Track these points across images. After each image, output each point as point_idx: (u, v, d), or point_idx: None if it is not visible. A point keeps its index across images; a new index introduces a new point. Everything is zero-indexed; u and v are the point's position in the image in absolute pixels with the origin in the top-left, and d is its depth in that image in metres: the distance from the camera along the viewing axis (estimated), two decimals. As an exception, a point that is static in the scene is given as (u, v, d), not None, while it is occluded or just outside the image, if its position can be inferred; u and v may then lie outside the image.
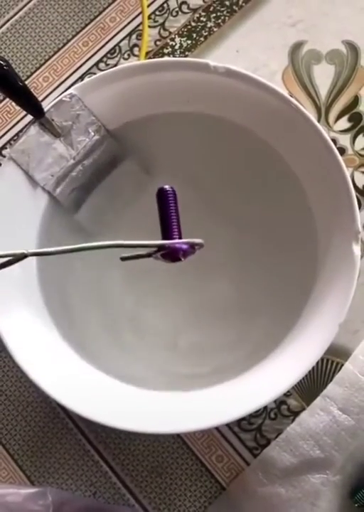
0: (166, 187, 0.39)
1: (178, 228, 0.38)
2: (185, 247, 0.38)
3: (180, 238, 0.38)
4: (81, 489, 0.52)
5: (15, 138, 0.56)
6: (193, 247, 0.38)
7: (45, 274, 0.49)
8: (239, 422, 0.51)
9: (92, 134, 0.48)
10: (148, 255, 0.37)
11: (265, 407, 0.51)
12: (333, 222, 0.45)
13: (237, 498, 0.50)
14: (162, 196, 0.39)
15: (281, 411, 0.51)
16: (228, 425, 0.51)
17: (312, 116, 0.44)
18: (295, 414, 0.51)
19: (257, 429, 0.51)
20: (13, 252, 0.35)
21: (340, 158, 0.43)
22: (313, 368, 0.50)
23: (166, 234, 0.38)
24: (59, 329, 0.48)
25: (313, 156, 0.45)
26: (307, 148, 0.45)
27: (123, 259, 0.37)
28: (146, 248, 0.37)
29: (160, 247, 0.37)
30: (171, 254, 0.37)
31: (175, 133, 0.50)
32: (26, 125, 0.53)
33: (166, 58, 0.55)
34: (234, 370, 0.46)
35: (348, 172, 0.43)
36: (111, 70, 0.46)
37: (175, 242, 0.37)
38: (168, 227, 0.38)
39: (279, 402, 0.51)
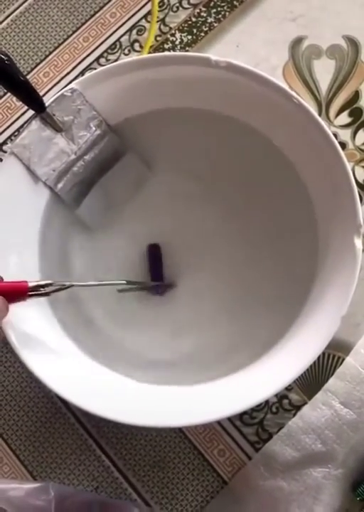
0: (154, 243, 0.52)
1: (161, 272, 0.52)
2: (163, 286, 0.52)
3: (162, 280, 0.52)
4: (83, 484, 0.52)
5: (16, 133, 0.56)
6: (168, 286, 0.52)
7: (47, 271, 0.49)
8: (241, 416, 0.51)
9: (94, 128, 0.48)
10: (141, 289, 0.51)
11: (267, 402, 0.51)
12: (335, 216, 0.45)
13: (240, 492, 0.50)
14: (150, 250, 0.52)
15: (283, 405, 0.51)
16: (230, 419, 0.51)
17: (314, 111, 0.44)
18: (297, 408, 0.51)
19: (259, 423, 0.51)
20: (63, 283, 0.43)
21: (341, 152, 0.43)
22: (314, 363, 0.50)
23: (153, 277, 0.52)
24: (62, 325, 0.48)
25: (314, 150, 0.45)
26: (308, 142, 0.45)
27: (119, 291, 0.50)
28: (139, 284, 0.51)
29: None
30: (153, 291, 0.52)
31: (176, 128, 0.50)
32: (27, 120, 0.53)
33: (167, 53, 0.55)
34: (236, 364, 0.46)
35: (348, 164, 0.43)
36: (113, 64, 0.46)
37: (158, 283, 0.52)
38: (154, 271, 0.52)
39: (281, 397, 0.51)
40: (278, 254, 0.49)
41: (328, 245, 0.45)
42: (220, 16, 0.56)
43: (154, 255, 0.52)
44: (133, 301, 0.51)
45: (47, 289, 0.42)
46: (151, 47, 0.56)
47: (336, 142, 0.44)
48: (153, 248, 0.52)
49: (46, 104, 0.46)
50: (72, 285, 0.43)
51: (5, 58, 0.42)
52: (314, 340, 0.43)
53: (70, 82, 0.55)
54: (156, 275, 0.52)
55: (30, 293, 0.42)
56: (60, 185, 0.48)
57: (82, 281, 0.47)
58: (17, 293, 0.41)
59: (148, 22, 0.57)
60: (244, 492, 0.50)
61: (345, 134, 0.54)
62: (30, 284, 0.41)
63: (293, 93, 0.44)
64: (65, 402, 0.52)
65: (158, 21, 0.57)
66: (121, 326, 0.51)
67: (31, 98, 0.45)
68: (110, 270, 0.52)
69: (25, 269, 0.47)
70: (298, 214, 0.48)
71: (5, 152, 0.56)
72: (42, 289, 0.42)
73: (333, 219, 0.45)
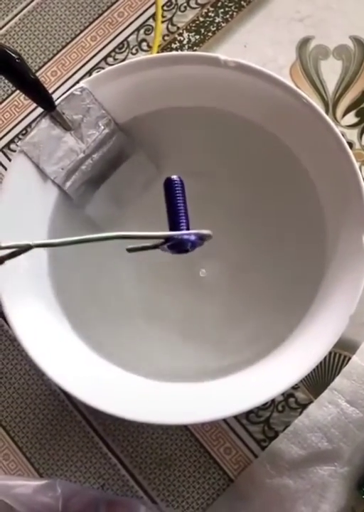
0: (174, 177, 0.38)
1: (186, 219, 0.38)
2: (193, 238, 0.37)
3: (188, 229, 0.37)
4: (90, 481, 0.52)
5: (23, 132, 0.56)
6: (201, 238, 0.37)
7: (55, 265, 0.49)
8: (247, 414, 0.52)
9: (102, 127, 0.48)
10: (155, 246, 0.37)
11: (273, 400, 0.51)
12: (342, 214, 0.45)
13: (246, 490, 0.50)
14: (169, 186, 0.38)
15: (289, 404, 0.51)
16: (236, 418, 0.52)
17: (322, 111, 0.44)
18: (303, 406, 0.51)
19: (265, 421, 0.51)
20: (18, 244, 0.35)
21: (350, 151, 0.44)
22: (320, 362, 0.50)
23: (174, 225, 0.37)
24: (69, 320, 0.49)
25: (322, 150, 0.45)
26: (317, 142, 0.46)
27: (129, 250, 0.37)
28: (153, 239, 0.37)
29: (167, 239, 0.36)
30: (178, 246, 0.37)
31: (185, 127, 0.50)
32: (35, 119, 0.54)
33: (176, 52, 0.55)
34: (243, 362, 0.47)
35: (355, 162, 0.44)
36: (122, 63, 0.46)
37: (183, 233, 0.37)
38: (175, 218, 0.38)
39: (287, 395, 0.51)
40: (286, 253, 0.49)
41: (336, 244, 0.46)
42: (227, 16, 0.57)
43: (174, 192, 0.38)
44: (143, 296, 0.51)
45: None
46: (158, 46, 0.57)
47: (345, 142, 0.44)
48: (173, 184, 0.38)
49: (56, 103, 0.46)
50: (30, 247, 0.35)
51: (16, 57, 0.43)
52: (322, 340, 0.43)
53: (78, 81, 0.56)
54: (178, 221, 0.38)
55: None
56: (68, 184, 0.49)
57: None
58: None
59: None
60: (250, 490, 0.50)
61: (352, 134, 0.54)
62: None
63: (302, 93, 0.44)
64: (71, 400, 0.53)
65: (165, 21, 0.57)
66: (130, 322, 0.51)
67: (41, 96, 0.45)
68: (118, 269, 0.52)
69: (34, 267, 0.47)
70: (306, 213, 0.48)
71: (13, 151, 0.56)
72: None
73: (341, 218, 0.45)
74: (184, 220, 0.37)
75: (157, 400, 0.46)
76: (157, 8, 0.57)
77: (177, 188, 0.38)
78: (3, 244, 0.34)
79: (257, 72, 0.45)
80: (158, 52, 0.56)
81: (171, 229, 0.37)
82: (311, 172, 0.47)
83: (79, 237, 0.36)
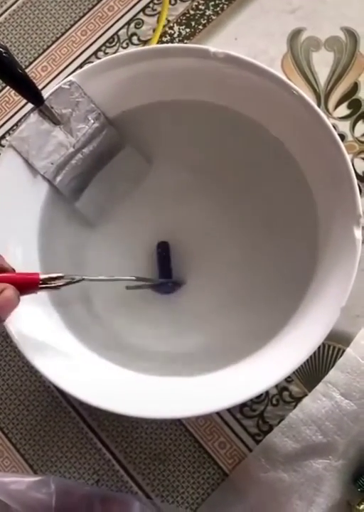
0: (163, 241, 0.52)
1: (169, 271, 0.52)
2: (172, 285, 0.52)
3: (170, 278, 0.52)
4: (84, 477, 0.52)
5: (14, 128, 0.56)
6: (179, 284, 0.52)
7: (47, 264, 0.49)
8: (241, 408, 0.51)
9: (92, 121, 0.48)
10: (147, 287, 0.51)
11: (267, 394, 0.51)
12: (335, 207, 0.45)
13: (240, 484, 0.50)
14: (159, 248, 0.52)
15: (283, 397, 0.51)
16: (230, 412, 0.51)
17: (312, 102, 0.44)
18: (297, 400, 0.51)
19: (259, 415, 0.51)
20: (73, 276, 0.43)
21: (341, 143, 0.43)
22: (314, 354, 0.50)
23: (162, 275, 0.52)
24: (61, 317, 0.48)
25: (314, 142, 0.45)
26: (308, 133, 0.45)
27: (128, 288, 0.49)
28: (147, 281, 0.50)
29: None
30: (164, 290, 0.52)
31: (175, 120, 0.50)
32: (26, 114, 0.53)
33: (165, 45, 0.55)
34: (237, 355, 0.46)
35: (347, 154, 0.43)
36: (111, 56, 0.46)
37: (169, 280, 0.52)
38: (163, 270, 0.52)
39: (281, 389, 0.51)
40: (278, 247, 0.49)
41: (328, 236, 0.45)
42: (218, 8, 0.56)
43: (163, 254, 0.52)
44: (135, 294, 0.51)
45: (58, 282, 0.42)
46: (147, 41, 0.56)
47: (335, 133, 0.44)
48: (162, 246, 0.52)
49: (44, 97, 0.46)
50: (83, 279, 0.43)
51: (3, 51, 0.42)
52: (314, 332, 0.43)
53: (68, 76, 0.55)
54: (164, 274, 0.52)
55: (41, 285, 0.41)
56: (58, 179, 0.48)
57: (87, 274, 0.46)
58: (28, 284, 0.41)
59: (147, 15, 0.57)
60: (245, 484, 0.50)
61: (344, 126, 0.54)
62: (42, 276, 0.41)
63: (291, 83, 0.44)
64: (65, 396, 0.53)
65: (155, 14, 0.57)
66: (122, 319, 0.51)
67: (29, 91, 0.45)
68: (111, 264, 0.52)
69: (25, 262, 0.47)
70: (299, 205, 0.48)
71: (3, 146, 0.56)
72: (52, 282, 0.41)
73: (333, 210, 0.45)
74: (168, 271, 0.52)
75: (150, 394, 0.46)
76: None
77: (165, 250, 0.52)
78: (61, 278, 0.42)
79: (246, 63, 0.45)
80: (158, 42, 0.56)
81: (160, 277, 0.52)
82: (303, 164, 0.47)
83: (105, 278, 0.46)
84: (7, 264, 0.41)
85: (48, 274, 0.41)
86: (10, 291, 0.39)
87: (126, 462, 0.52)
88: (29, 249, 0.48)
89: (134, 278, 0.48)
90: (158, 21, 0.56)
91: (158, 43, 0.56)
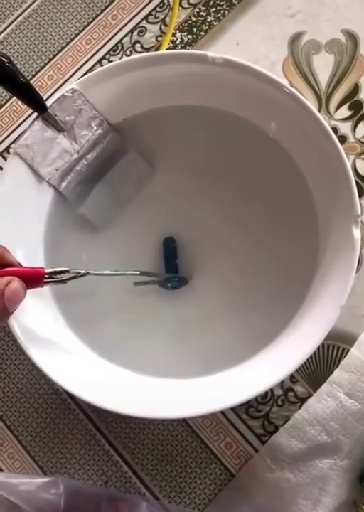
0: (169, 236, 0.52)
1: (176, 266, 0.52)
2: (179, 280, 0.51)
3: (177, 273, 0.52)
4: (92, 478, 0.53)
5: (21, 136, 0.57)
6: (186, 280, 0.52)
7: (52, 265, 0.49)
8: (247, 409, 0.52)
9: (95, 128, 0.49)
10: (154, 282, 0.51)
11: (272, 394, 0.52)
12: (334, 207, 0.45)
13: (247, 485, 0.50)
14: (165, 243, 0.53)
15: (288, 398, 0.51)
16: (236, 413, 0.52)
17: (309, 103, 0.45)
18: (302, 400, 0.51)
19: (265, 416, 0.52)
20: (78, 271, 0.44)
21: (338, 142, 0.44)
22: (319, 354, 0.51)
23: (169, 269, 0.52)
24: (68, 321, 0.49)
25: (312, 143, 0.46)
26: (306, 135, 0.46)
27: (136, 284, 0.50)
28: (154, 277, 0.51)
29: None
30: (167, 285, 0.51)
31: (177, 125, 0.51)
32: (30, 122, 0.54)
33: (164, 51, 0.56)
34: (240, 355, 0.47)
35: (345, 156, 0.44)
36: (111, 64, 0.47)
37: (174, 276, 0.52)
38: (169, 265, 0.52)
39: (286, 389, 0.52)
40: (279, 247, 0.49)
41: (327, 236, 0.46)
42: (219, 14, 0.57)
43: (169, 249, 0.52)
44: (139, 294, 0.52)
45: (64, 276, 0.42)
46: (150, 48, 0.57)
47: (332, 133, 0.44)
48: (168, 241, 0.52)
49: (48, 105, 0.47)
50: (88, 273, 0.44)
51: (6, 61, 0.44)
52: (315, 331, 0.43)
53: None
54: (171, 269, 0.52)
55: (47, 280, 0.42)
56: (63, 184, 0.49)
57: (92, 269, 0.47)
58: (34, 278, 0.41)
59: (149, 23, 0.58)
60: (251, 484, 0.50)
61: (346, 127, 0.54)
62: (47, 270, 0.42)
63: (287, 85, 0.45)
64: (73, 398, 0.53)
65: (158, 22, 0.58)
66: (127, 320, 0.51)
67: (32, 99, 0.46)
68: (116, 267, 0.53)
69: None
70: (299, 206, 0.48)
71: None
72: (58, 276, 0.42)
73: (332, 210, 0.46)
74: (174, 267, 0.52)
75: (155, 395, 0.47)
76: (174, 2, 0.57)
77: (172, 244, 0.52)
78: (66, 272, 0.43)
79: (244, 67, 0.46)
80: (167, 48, 0.57)
81: (167, 272, 0.52)
82: (302, 165, 0.48)
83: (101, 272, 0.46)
84: (13, 259, 0.42)
85: (54, 268, 0.42)
86: (16, 283, 0.40)
87: (134, 463, 0.52)
88: (35, 254, 0.49)
89: (138, 272, 0.48)
90: (168, 24, 0.57)
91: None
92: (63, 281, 0.43)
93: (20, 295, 0.40)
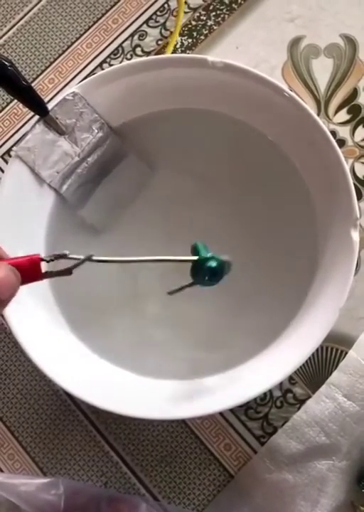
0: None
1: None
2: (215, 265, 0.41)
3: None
4: (92, 479, 0.53)
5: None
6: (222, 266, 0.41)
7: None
8: (246, 410, 0.52)
9: (96, 131, 0.49)
10: (191, 285, 0.41)
11: (271, 396, 0.52)
12: (333, 209, 0.46)
13: (246, 486, 0.51)
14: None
15: (287, 399, 0.52)
16: (235, 414, 0.52)
17: (308, 107, 0.45)
18: (301, 402, 0.51)
19: (264, 417, 0.52)
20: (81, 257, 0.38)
21: (336, 146, 0.44)
22: (317, 357, 0.51)
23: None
24: (68, 322, 0.50)
25: (310, 145, 0.46)
26: (305, 138, 0.46)
27: (170, 293, 0.42)
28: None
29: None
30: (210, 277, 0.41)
31: (177, 129, 0.51)
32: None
33: (164, 55, 0.56)
34: (240, 356, 0.47)
35: (344, 159, 0.44)
36: (112, 68, 0.48)
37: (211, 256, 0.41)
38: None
39: (285, 391, 0.52)
40: (278, 250, 0.50)
41: (326, 239, 0.46)
42: (219, 18, 0.58)
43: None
44: (140, 296, 0.52)
45: (67, 266, 0.38)
46: (150, 52, 0.58)
47: (331, 136, 0.44)
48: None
49: (49, 108, 0.48)
50: (92, 257, 0.38)
51: (8, 64, 0.44)
52: (314, 332, 0.44)
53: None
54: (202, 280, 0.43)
55: (48, 272, 0.37)
56: (64, 187, 0.50)
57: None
58: (29, 266, 0.37)
59: (150, 27, 0.58)
60: (251, 485, 0.50)
61: (345, 131, 0.55)
62: (43, 256, 0.37)
63: (286, 89, 0.45)
64: (73, 400, 0.54)
65: (158, 26, 0.58)
66: (128, 321, 0.51)
67: (34, 102, 0.46)
68: (118, 270, 0.53)
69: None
70: (298, 209, 0.49)
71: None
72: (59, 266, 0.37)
73: (331, 213, 0.46)
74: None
75: (155, 396, 0.47)
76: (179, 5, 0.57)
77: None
78: (62, 256, 0.37)
79: (244, 71, 0.46)
80: (172, 51, 0.57)
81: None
82: (301, 168, 0.48)
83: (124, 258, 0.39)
84: (4, 253, 0.38)
85: (49, 256, 0.38)
86: (4, 268, 0.36)
87: (134, 464, 0.53)
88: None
89: (153, 258, 0.40)
90: (174, 27, 0.57)
91: (161, 54, 0.57)
92: (68, 272, 0.38)
93: (10, 281, 0.36)
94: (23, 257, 0.37)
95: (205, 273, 0.40)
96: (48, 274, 0.37)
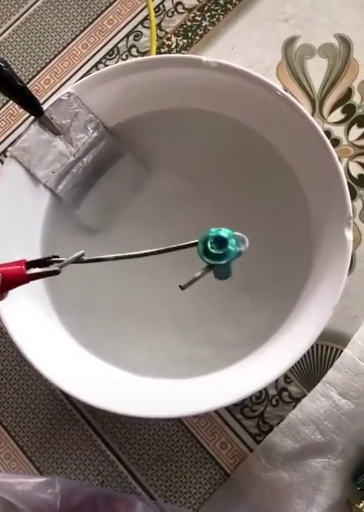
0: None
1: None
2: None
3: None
4: (88, 478, 0.53)
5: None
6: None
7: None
8: (241, 409, 0.52)
9: (91, 131, 0.49)
10: (202, 275, 0.39)
11: (267, 394, 0.52)
12: (327, 209, 0.46)
13: (242, 484, 0.51)
14: None
15: (283, 398, 0.52)
16: (231, 412, 0.52)
17: (303, 107, 0.45)
18: (296, 400, 0.51)
19: (260, 415, 0.52)
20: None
21: (330, 145, 0.45)
22: (313, 355, 0.51)
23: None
24: (64, 322, 0.50)
25: (305, 146, 0.46)
26: (299, 138, 0.47)
27: (182, 287, 0.39)
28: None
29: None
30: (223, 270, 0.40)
31: (173, 129, 0.51)
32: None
33: (158, 55, 0.57)
34: (234, 355, 0.47)
35: (338, 159, 0.44)
36: (107, 68, 0.48)
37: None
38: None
39: (281, 389, 0.52)
40: (273, 248, 0.50)
41: (320, 238, 0.46)
42: (214, 19, 0.58)
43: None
44: (136, 296, 0.52)
45: (52, 267, 0.37)
46: (145, 52, 0.58)
47: (325, 135, 0.45)
48: None
49: (44, 109, 0.48)
50: (82, 255, 0.37)
51: (3, 65, 0.44)
52: (308, 330, 0.44)
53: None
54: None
55: (34, 273, 0.36)
56: (60, 187, 0.50)
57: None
58: (14, 269, 0.36)
59: (145, 27, 0.59)
60: (247, 484, 0.51)
61: (339, 131, 0.55)
62: (29, 260, 0.36)
63: (279, 88, 0.45)
64: (69, 399, 0.54)
65: (155, 26, 0.58)
66: (124, 320, 0.52)
67: (29, 103, 0.47)
68: (114, 270, 0.53)
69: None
70: (292, 207, 0.49)
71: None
72: (46, 267, 0.37)
73: (325, 212, 0.46)
74: None
75: (151, 395, 0.47)
76: (149, 11, 0.58)
77: None
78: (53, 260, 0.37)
79: (238, 71, 0.46)
80: (156, 53, 0.57)
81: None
82: (296, 168, 0.48)
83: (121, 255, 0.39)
84: None
85: (37, 260, 0.37)
86: None
87: (130, 463, 0.53)
88: (32, 257, 0.49)
89: (151, 250, 0.39)
90: (150, 33, 0.58)
91: (156, 54, 0.58)
92: (55, 272, 0.37)
93: None
94: (7, 264, 0.36)
95: (211, 245, 0.38)
96: (35, 276, 0.37)
